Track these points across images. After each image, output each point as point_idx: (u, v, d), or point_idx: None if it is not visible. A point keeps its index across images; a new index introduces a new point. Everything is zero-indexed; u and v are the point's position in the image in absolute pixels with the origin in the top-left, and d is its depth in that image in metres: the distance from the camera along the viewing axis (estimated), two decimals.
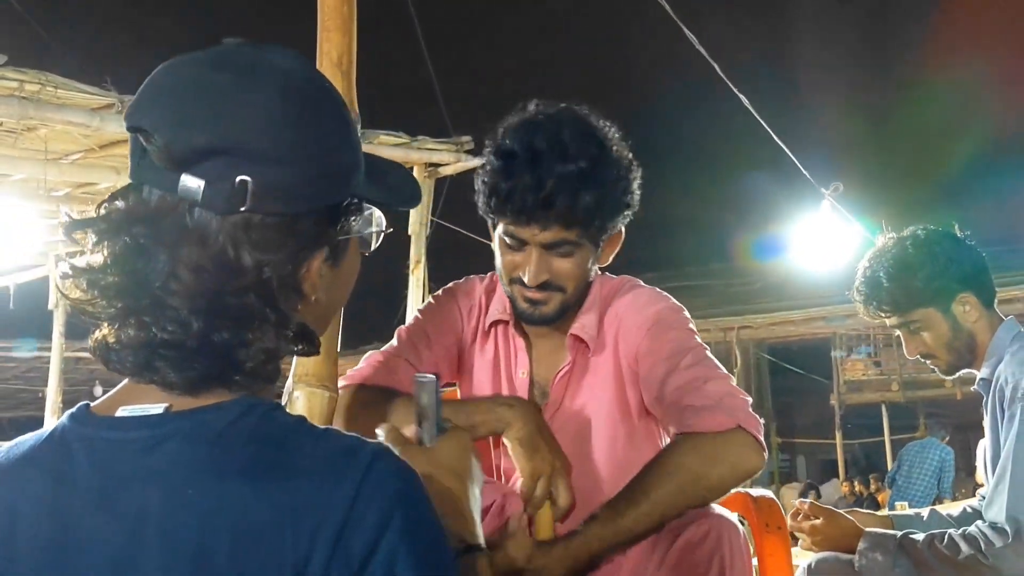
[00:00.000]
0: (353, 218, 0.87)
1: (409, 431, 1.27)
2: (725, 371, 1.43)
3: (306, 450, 0.75)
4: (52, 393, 7.54)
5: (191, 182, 0.75)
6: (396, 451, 0.82)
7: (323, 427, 0.80)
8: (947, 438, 8.26)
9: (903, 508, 3.30)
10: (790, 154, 6.27)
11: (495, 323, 1.59)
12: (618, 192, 1.43)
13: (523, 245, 1.42)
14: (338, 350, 1.63)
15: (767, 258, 13.32)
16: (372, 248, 0.92)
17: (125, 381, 0.81)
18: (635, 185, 1.46)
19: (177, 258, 0.76)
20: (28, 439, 0.82)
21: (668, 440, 1.45)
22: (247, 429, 0.76)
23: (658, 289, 1.59)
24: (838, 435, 13.43)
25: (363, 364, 1.54)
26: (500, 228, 1.45)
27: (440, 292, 1.69)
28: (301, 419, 0.80)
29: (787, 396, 16.26)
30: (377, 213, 0.91)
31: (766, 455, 1.33)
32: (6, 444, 0.83)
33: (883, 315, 2.05)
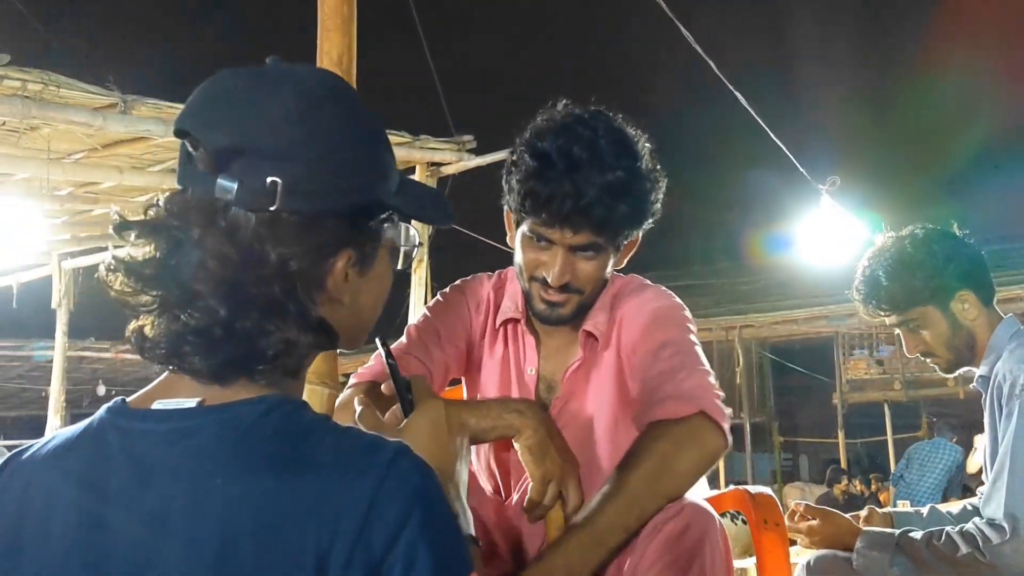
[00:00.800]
0: (384, 226, 0.91)
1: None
2: (706, 365, 1.45)
3: (328, 446, 0.79)
4: (55, 392, 7.57)
5: (226, 182, 0.80)
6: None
7: (345, 425, 0.83)
8: (955, 439, 8.28)
9: (904, 506, 3.30)
10: (786, 150, 6.27)
11: (506, 321, 1.62)
12: (648, 202, 1.46)
13: (550, 245, 1.45)
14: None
15: (768, 256, 13.33)
16: (403, 264, 0.95)
17: (162, 376, 0.85)
18: (661, 194, 1.49)
19: (206, 250, 0.81)
20: (66, 432, 0.86)
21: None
22: (272, 424, 0.80)
23: (664, 288, 1.61)
24: (840, 434, 13.41)
25: (372, 362, 1.55)
26: (525, 226, 1.46)
27: (448, 289, 1.70)
28: (325, 417, 0.83)
29: (789, 395, 16.24)
30: (412, 232, 0.95)
31: (729, 440, 1.35)
32: (43, 439, 0.88)
33: (882, 314, 2.05)
